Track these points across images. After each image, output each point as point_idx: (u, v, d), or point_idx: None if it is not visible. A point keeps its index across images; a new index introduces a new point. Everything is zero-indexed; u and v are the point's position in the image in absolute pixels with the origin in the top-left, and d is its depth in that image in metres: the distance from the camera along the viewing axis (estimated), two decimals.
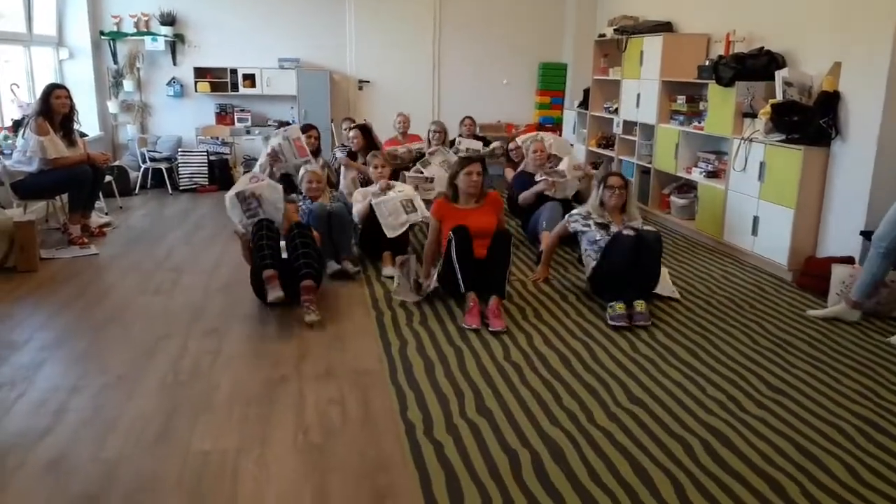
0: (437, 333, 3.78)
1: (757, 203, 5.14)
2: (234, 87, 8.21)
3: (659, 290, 4.35)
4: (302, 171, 4.96)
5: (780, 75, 5.00)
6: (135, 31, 7.98)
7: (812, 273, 4.61)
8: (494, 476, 2.45)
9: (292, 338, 3.71)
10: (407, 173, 5.94)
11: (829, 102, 4.62)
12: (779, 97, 4.97)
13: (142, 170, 7.63)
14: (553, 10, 9.02)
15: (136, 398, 3.00)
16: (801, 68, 5.13)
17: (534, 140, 5.97)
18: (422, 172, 6.02)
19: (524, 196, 5.60)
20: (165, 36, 8.02)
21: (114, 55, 8.01)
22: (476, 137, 7.11)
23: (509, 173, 6.50)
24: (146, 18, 8.02)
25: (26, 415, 2.84)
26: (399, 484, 2.41)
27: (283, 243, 4.13)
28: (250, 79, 8.21)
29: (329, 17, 8.54)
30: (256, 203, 4.21)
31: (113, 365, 3.33)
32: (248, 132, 8.28)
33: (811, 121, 4.70)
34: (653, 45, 6.60)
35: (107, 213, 6.37)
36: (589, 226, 4.35)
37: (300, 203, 4.82)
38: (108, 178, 6.37)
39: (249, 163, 7.63)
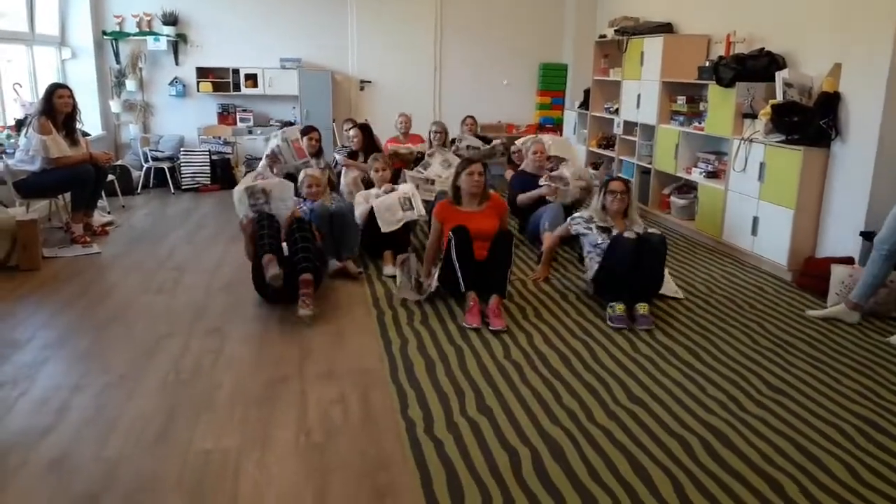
0: (438, 332, 3.79)
1: (757, 203, 5.15)
2: (236, 87, 8.23)
3: (662, 290, 4.35)
4: (301, 174, 4.98)
5: (780, 76, 5.01)
6: (137, 30, 8.00)
7: (812, 273, 4.62)
8: (495, 474, 2.46)
9: (294, 337, 3.72)
10: (408, 172, 5.96)
11: (830, 103, 4.63)
12: (779, 98, 4.98)
13: (144, 169, 7.65)
14: (553, 11, 9.03)
15: (138, 397, 3.01)
16: (801, 69, 5.14)
17: (534, 141, 5.99)
18: (422, 173, 6.03)
19: (523, 197, 5.61)
20: (168, 36, 8.04)
21: (116, 55, 8.03)
22: (477, 137, 7.11)
23: (510, 174, 6.52)
24: (148, 18, 8.04)
25: (28, 413, 2.85)
26: (400, 482, 2.42)
27: (284, 245, 4.15)
28: (252, 79, 8.23)
29: (331, 17, 8.55)
30: (265, 199, 4.22)
31: (115, 364, 3.34)
32: (249, 132, 8.30)
33: (811, 121, 4.71)
34: (653, 46, 6.61)
35: (109, 213, 6.39)
36: (591, 229, 4.36)
37: (301, 206, 4.83)
38: (110, 177, 6.39)
39: (251, 162, 7.65)
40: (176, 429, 2.75)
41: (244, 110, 8.41)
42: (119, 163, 7.48)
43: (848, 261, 4.45)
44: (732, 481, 2.45)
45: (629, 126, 7.17)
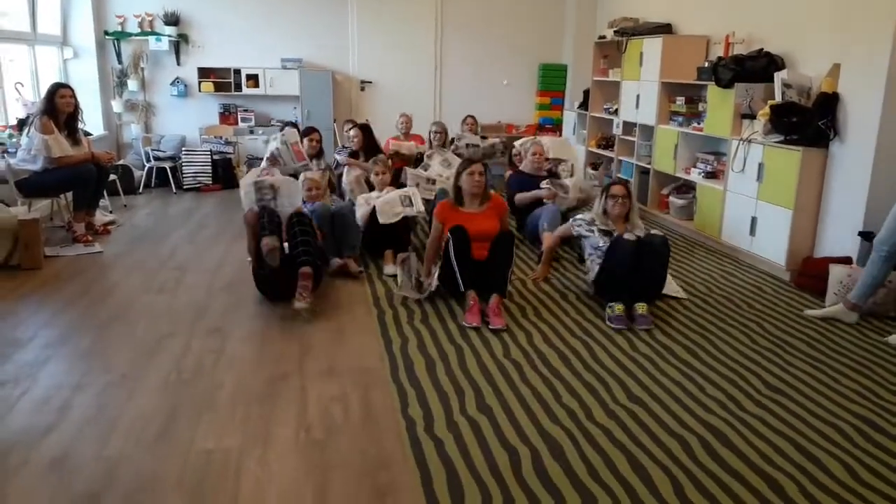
0: (438, 331, 3.81)
1: (755, 204, 5.16)
2: (238, 87, 8.25)
3: (664, 290, 4.36)
4: (301, 177, 5.00)
5: (779, 77, 5.02)
6: (139, 31, 8.02)
7: (810, 273, 4.63)
8: (494, 473, 2.47)
9: (294, 335, 3.73)
10: (410, 170, 5.98)
11: (828, 104, 4.64)
12: (778, 98, 4.99)
13: (146, 169, 7.67)
14: (553, 12, 9.05)
15: (140, 396, 3.02)
16: (800, 70, 5.15)
17: (533, 143, 6.01)
18: (423, 174, 6.05)
19: (521, 197, 5.63)
20: (169, 36, 8.05)
21: (118, 55, 8.05)
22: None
23: (510, 175, 6.52)
24: (150, 18, 8.05)
25: (30, 412, 2.87)
26: (400, 481, 2.43)
27: (285, 245, 4.17)
28: (253, 79, 8.24)
29: (331, 17, 8.57)
30: (272, 195, 4.23)
31: (116, 363, 3.36)
32: (251, 132, 8.32)
33: (810, 122, 4.72)
34: (652, 47, 6.63)
35: (111, 212, 6.40)
36: (593, 232, 4.35)
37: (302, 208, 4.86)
38: (112, 176, 6.40)
39: (252, 162, 7.65)
40: (177, 428, 2.76)
41: (245, 110, 8.43)
42: (121, 162, 7.50)
43: (846, 261, 4.46)
44: (731, 480, 2.46)
45: (628, 126, 7.19)
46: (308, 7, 8.47)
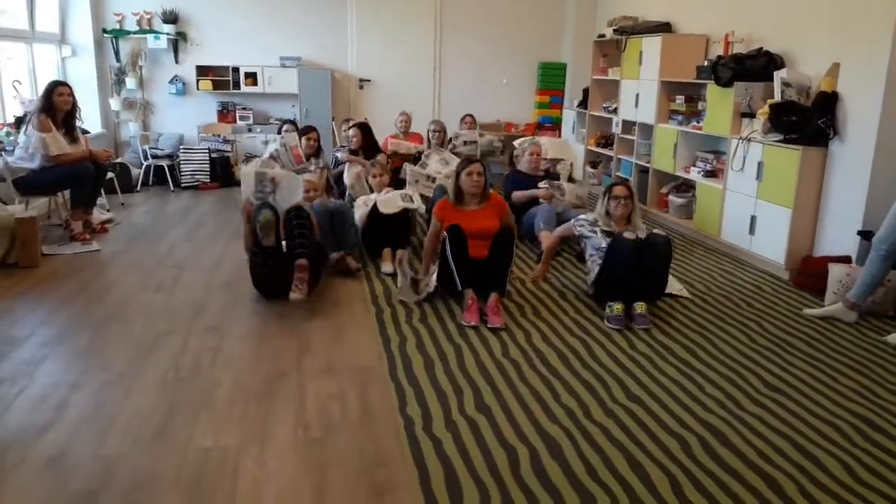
0: (437, 330, 3.80)
1: (755, 202, 5.16)
2: (236, 85, 8.24)
3: (668, 289, 4.35)
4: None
5: (778, 76, 5.02)
6: (137, 29, 8.00)
7: (809, 272, 4.63)
8: (493, 472, 2.46)
9: (293, 334, 3.72)
10: (409, 166, 6.00)
11: (828, 103, 4.64)
12: (777, 97, 4.99)
13: (144, 167, 7.65)
14: (553, 10, 9.04)
15: (137, 395, 3.02)
16: (799, 69, 5.14)
17: (531, 143, 6.01)
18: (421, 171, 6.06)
19: (519, 195, 5.62)
20: (168, 34, 8.04)
21: (116, 53, 8.03)
22: None
23: None
24: (149, 16, 8.04)
25: (27, 411, 2.86)
26: (398, 480, 2.43)
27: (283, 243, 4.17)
28: (252, 77, 8.23)
29: (330, 15, 8.56)
30: (272, 188, 4.21)
31: (114, 361, 3.35)
32: (249, 130, 8.31)
33: (809, 121, 4.72)
34: (652, 46, 6.62)
35: (108, 210, 6.39)
36: (595, 232, 4.29)
37: None
38: (109, 174, 6.38)
39: (250, 160, 7.64)
40: (175, 426, 2.75)
41: (244, 108, 8.42)
42: (119, 160, 7.48)
43: (845, 260, 4.46)
44: (730, 479, 2.45)
45: (628, 125, 7.18)
46: (307, 5, 8.46)
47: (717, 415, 2.92)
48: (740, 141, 5.28)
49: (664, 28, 6.85)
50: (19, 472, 2.43)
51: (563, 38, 9.11)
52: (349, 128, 6.59)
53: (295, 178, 4.39)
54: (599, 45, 7.91)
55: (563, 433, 2.74)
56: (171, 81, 8.27)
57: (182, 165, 7.72)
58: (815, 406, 3.03)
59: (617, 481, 2.43)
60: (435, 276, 4.18)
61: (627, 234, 4.04)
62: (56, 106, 5.31)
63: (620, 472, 2.49)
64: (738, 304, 4.36)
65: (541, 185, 5.63)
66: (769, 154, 5.01)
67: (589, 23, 8.67)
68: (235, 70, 8.21)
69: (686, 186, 6.34)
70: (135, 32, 7.99)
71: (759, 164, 5.08)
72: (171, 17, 8.04)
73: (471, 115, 7.32)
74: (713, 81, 5.55)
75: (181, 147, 7.84)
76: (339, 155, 6.37)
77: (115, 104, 8.09)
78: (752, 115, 5.25)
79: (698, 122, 5.98)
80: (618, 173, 7.32)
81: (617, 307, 3.93)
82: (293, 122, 7.08)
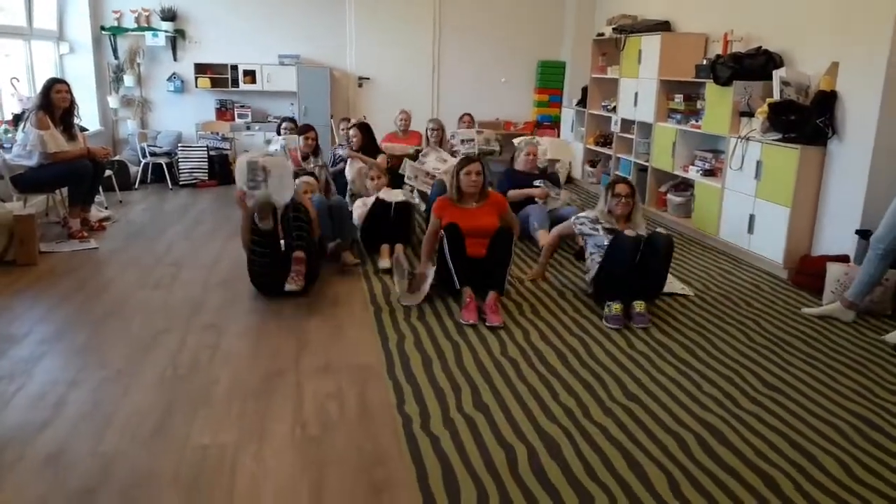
0: (435, 328, 3.80)
1: (753, 201, 5.16)
2: (235, 82, 8.23)
3: (669, 288, 4.35)
4: (297, 181, 5.04)
5: (777, 75, 5.02)
6: (135, 26, 7.99)
7: (807, 271, 4.63)
8: (491, 470, 2.47)
9: (291, 332, 3.72)
10: (409, 162, 6.01)
11: (826, 102, 4.64)
12: (776, 96, 4.99)
13: (142, 164, 7.64)
14: (552, 9, 9.03)
15: (135, 392, 3.01)
16: (798, 68, 5.14)
17: (528, 143, 6.01)
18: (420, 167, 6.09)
19: (514, 194, 5.61)
20: (166, 31, 8.02)
21: (114, 50, 8.02)
22: None
23: None
24: (147, 14, 8.02)
25: (25, 408, 2.85)
26: (396, 477, 2.43)
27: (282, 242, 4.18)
28: (250, 75, 8.23)
29: (329, 13, 8.55)
30: (263, 176, 4.20)
31: (112, 359, 3.34)
32: (248, 128, 8.30)
33: (808, 120, 4.72)
34: (651, 44, 6.62)
35: (106, 208, 6.38)
36: (597, 230, 4.24)
37: None
38: (108, 172, 6.37)
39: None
40: (173, 424, 2.75)
41: (242, 106, 8.41)
42: (117, 158, 7.46)
43: (844, 259, 4.47)
44: (728, 478, 2.46)
45: (626, 124, 7.18)
46: (306, 3, 8.45)
47: (716, 413, 2.93)
48: (739, 140, 5.28)
49: (663, 27, 6.84)
50: (17, 469, 2.43)
51: (562, 36, 9.11)
52: (349, 127, 6.59)
53: (286, 167, 4.40)
54: (598, 44, 7.90)
55: (562, 432, 2.74)
56: (169, 79, 8.26)
57: (180, 163, 7.71)
58: (813, 405, 3.03)
59: (615, 480, 2.43)
60: (430, 278, 4.17)
61: (628, 232, 4.02)
62: (54, 103, 5.30)
63: (618, 470, 2.49)
64: (736, 303, 4.36)
65: (536, 183, 5.65)
66: (768, 153, 5.02)
67: (588, 21, 8.67)
68: (234, 68, 8.20)
69: (685, 185, 6.35)
70: (133, 30, 7.97)
71: (758, 163, 5.09)
72: (169, 15, 8.02)
73: (469, 115, 7.33)
74: (712, 80, 5.55)
75: (179, 145, 7.83)
76: (341, 152, 6.37)
77: (113, 102, 8.07)
78: (750, 114, 5.25)
79: (697, 121, 5.98)
80: (616, 172, 7.31)
81: (615, 307, 3.92)
82: (292, 120, 7.06)
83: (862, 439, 2.75)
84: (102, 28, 7.90)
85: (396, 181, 6.04)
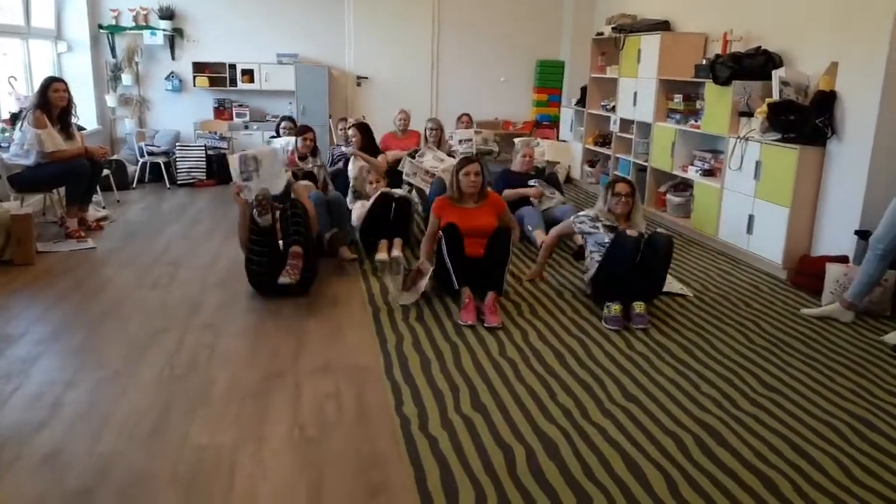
0: (433, 329, 3.79)
1: (752, 202, 5.15)
2: (233, 81, 8.21)
3: (669, 289, 4.35)
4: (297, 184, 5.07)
5: (776, 75, 5.02)
6: (133, 25, 7.97)
7: (806, 272, 4.63)
8: (489, 471, 2.46)
9: (289, 333, 3.71)
10: (408, 159, 6.02)
11: (826, 102, 4.63)
12: (775, 96, 4.98)
13: (140, 164, 7.63)
14: (551, 8, 9.02)
15: (132, 392, 3.00)
16: (797, 68, 5.14)
17: (524, 144, 6.01)
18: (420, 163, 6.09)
19: (509, 193, 5.61)
20: (164, 30, 8.01)
21: (112, 49, 8.00)
22: None
23: None
24: (145, 13, 8.01)
25: (22, 408, 2.84)
26: (394, 479, 2.42)
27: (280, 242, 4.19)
28: (249, 74, 8.21)
29: (328, 12, 8.53)
30: (254, 166, 4.22)
31: (109, 359, 3.34)
32: (246, 127, 8.29)
33: (807, 120, 4.71)
34: (650, 44, 6.62)
35: (104, 207, 6.37)
36: (597, 228, 4.23)
37: None
38: (105, 171, 6.36)
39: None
40: (170, 424, 2.74)
41: (240, 105, 8.39)
42: (114, 157, 7.45)
43: (843, 259, 4.46)
44: (726, 479, 2.45)
45: (626, 124, 7.18)
46: (304, 1, 8.43)
47: (714, 414, 2.92)
48: (738, 140, 5.28)
49: (663, 26, 6.84)
50: (15, 469, 2.42)
51: (561, 35, 9.10)
52: (348, 127, 6.58)
53: (277, 159, 4.42)
54: (598, 43, 7.90)
55: (560, 432, 2.74)
56: (167, 78, 8.24)
57: (178, 162, 7.69)
58: (812, 406, 3.03)
59: (613, 481, 2.42)
60: (427, 278, 4.17)
61: (630, 232, 4.01)
62: (52, 102, 5.29)
63: (617, 471, 2.48)
64: (735, 303, 4.36)
65: (530, 183, 5.66)
66: (767, 153, 5.01)
67: (587, 21, 8.66)
68: (232, 67, 8.19)
69: (684, 185, 6.34)
70: (131, 28, 7.96)
71: (757, 164, 5.08)
72: (167, 14, 8.01)
73: (467, 115, 7.32)
74: (711, 80, 5.55)
75: (177, 144, 7.81)
76: (345, 150, 6.35)
77: (111, 100, 8.06)
78: (750, 114, 5.25)
79: (696, 121, 5.98)
80: (616, 172, 7.31)
81: (615, 308, 3.90)
82: (291, 119, 7.05)
83: (860, 440, 2.75)
84: (100, 27, 7.89)
85: (396, 180, 6.04)
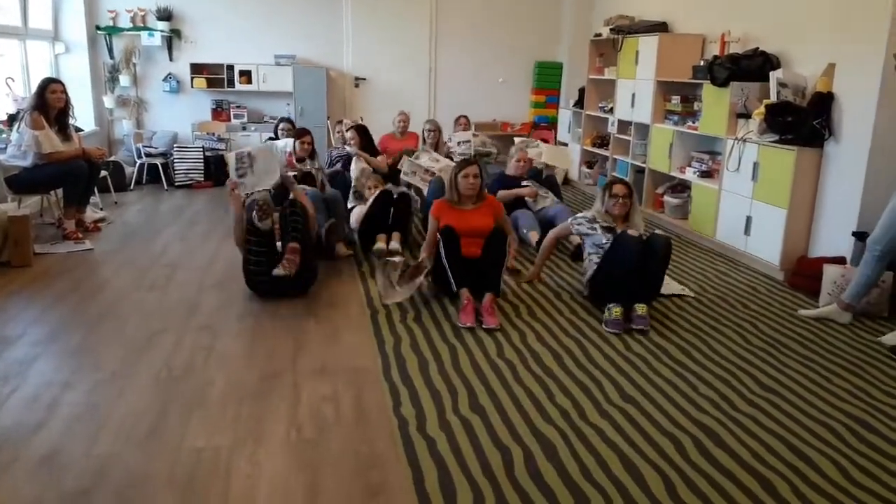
0: (431, 330, 3.79)
1: (750, 203, 5.16)
2: (231, 83, 8.19)
3: (666, 289, 4.35)
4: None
5: (774, 76, 5.02)
6: (131, 26, 7.96)
7: (804, 273, 4.64)
8: (487, 472, 2.46)
9: (287, 334, 3.71)
10: (407, 158, 6.03)
11: (823, 103, 4.64)
12: (773, 98, 4.99)
13: (137, 165, 7.62)
14: (550, 10, 9.03)
15: (130, 394, 3.00)
16: (795, 69, 5.15)
17: (519, 149, 6.01)
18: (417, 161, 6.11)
19: (504, 194, 5.62)
20: (162, 31, 7.99)
21: (110, 50, 7.99)
22: None
23: None
24: (142, 13, 8.00)
25: (19, 410, 2.84)
26: (392, 480, 2.42)
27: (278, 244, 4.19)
28: (246, 75, 8.20)
29: (326, 13, 8.53)
30: (249, 163, 4.25)
31: (106, 360, 3.33)
32: (243, 128, 8.28)
33: (805, 121, 4.72)
34: (648, 45, 6.62)
35: (102, 209, 6.36)
36: (595, 229, 4.22)
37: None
38: (103, 173, 6.36)
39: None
40: (168, 426, 2.74)
41: (238, 106, 8.38)
42: (112, 159, 7.44)
43: (840, 261, 4.47)
44: (724, 480, 2.45)
45: (623, 125, 7.19)
46: (302, 2, 8.43)
47: (712, 415, 2.92)
48: (736, 141, 5.29)
49: (661, 28, 6.85)
50: (12, 470, 2.42)
51: (559, 37, 9.10)
52: (346, 129, 6.59)
53: (271, 155, 4.44)
54: (596, 45, 7.91)
55: (558, 434, 2.74)
56: (165, 79, 8.23)
57: (176, 164, 7.69)
58: (809, 407, 3.03)
59: (611, 482, 2.42)
60: (424, 275, 4.17)
61: (632, 232, 3.99)
62: (49, 103, 5.28)
63: (615, 472, 2.48)
64: (732, 304, 4.36)
65: (524, 183, 5.66)
66: (764, 154, 5.02)
67: (585, 22, 8.66)
68: (230, 68, 8.17)
69: (682, 187, 6.35)
70: (128, 29, 7.94)
71: (755, 165, 5.09)
72: (165, 15, 8.00)
73: (465, 117, 7.32)
74: (709, 81, 5.56)
75: (175, 145, 7.80)
76: (350, 149, 6.35)
77: (108, 102, 8.04)
78: (747, 116, 5.26)
79: (694, 123, 5.99)
80: (613, 173, 7.32)
81: (616, 311, 3.86)
82: (290, 121, 7.05)
83: (858, 441, 2.75)
84: (98, 28, 7.88)
85: (396, 179, 6.05)
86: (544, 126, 9.07)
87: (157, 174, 7.63)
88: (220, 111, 8.36)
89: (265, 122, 8.32)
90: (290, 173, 5.65)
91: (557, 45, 9.12)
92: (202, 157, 7.76)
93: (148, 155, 7.64)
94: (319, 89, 8.32)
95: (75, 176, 5.38)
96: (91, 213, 5.94)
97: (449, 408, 2.93)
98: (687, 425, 2.83)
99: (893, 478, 2.51)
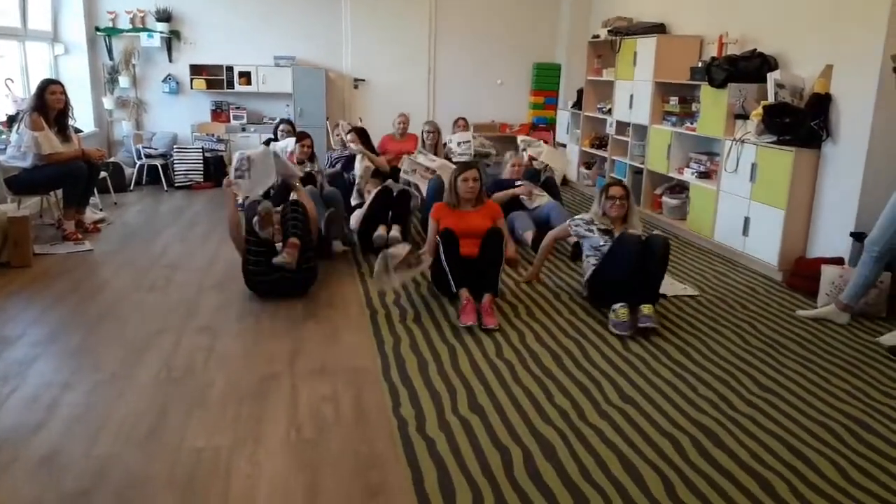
0: (431, 331, 3.80)
1: (748, 204, 5.17)
2: (230, 84, 8.20)
3: (670, 291, 4.34)
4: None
5: (772, 77, 5.04)
6: (130, 27, 7.97)
7: (802, 274, 4.65)
8: (486, 472, 2.46)
9: (286, 335, 3.72)
10: (407, 157, 6.04)
11: (821, 104, 4.66)
12: (770, 99, 5.00)
13: (137, 166, 7.63)
14: (548, 11, 9.04)
15: (130, 395, 3.00)
16: (792, 70, 5.16)
17: (513, 154, 6.03)
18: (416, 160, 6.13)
19: (499, 195, 5.62)
20: (161, 32, 8.00)
21: (109, 51, 8.00)
22: None
23: None
24: (142, 15, 8.00)
25: (19, 410, 2.84)
26: (391, 480, 2.42)
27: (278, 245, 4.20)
28: (246, 76, 8.20)
29: (325, 14, 8.54)
30: (247, 165, 4.30)
31: (106, 361, 3.33)
32: (243, 129, 8.28)
33: (802, 122, 4.73)
34: (646, 47, 6.64)
35: (101, 210, 6.36)
36: (592, 231, 4.22)
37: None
38: (102, 174, 6.36)
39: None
40: (167, 426, 2.74)
41: (238, 108, 8.38)
42: (112, 160, 7.45)
43: (838, 261, 4.48)
44: (723, 480, 2.46)
45: (622, 126, 7.19)
46: (301, 4, 8.44)
47: (711, 416, 2.93)
48: (734, 142, 5.30)
49: (658, 29, 6.86)
50: (12, 471, 2.42)
51: (557, 38, 9.11)
52: (346, 132, 6.60)
53: (268, 158, 4.48)
54: (594, 46, 7.92)
55: (557, 434, 2.74)
56: (164, 80, 8.24)
57: (175, 165, 7.69)
58: (808, 407, 3.04)
59: (610, 482, 2.43)
60: (428, 262, 4.19)
61: (633, 231, 3.99)
62: (48, 104, 5.29)
63: (614, 472, 2.49)
64: (731, 305, 4.37)
65: (518, 182, 5.68)
66: (762, 155, 5.03)
67: (583, 23, 8.67)
68: (229, 69, 8.18)
69: (680, 188, 6.36)
70: (128, 31, 7.95)
71: (753, 166, 5.10)
72: (164, 16, 8.00)
73: (463, 119, 7.32)
74: (707, 83, 5.57)
75: (175, 146, 7.81)
76: (353, 147, 6.35)
77: (108, 103, 8.05)
78: (745, 117, 5.27)
79: (692, 124, 6.00)
80: (612, 174, 7.33)
81: (622, 312, 3.83)
82: (289, 122, 7.05)
83: (856, 442, 2.76)
84: (97, 29, 7.88)
85: (396, 179, 6.07)
86: (543, 127, 9.08)
87: (157, 175, 7.63)
88: (219, 112, 8.37)
89: (264, 123, 8.32)
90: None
91: (556, 46, 9.13)
92: (202, 158, 7.76)
93: (147, 156, 7.64)
94: (319, 90, 8.33)
95: (75, 177, 5.39)
96: (91, 214, 5.94)
97: (448, 408, 2.94)
98: (686, 426, 2.84)
99: (892, 478, 2.52)
